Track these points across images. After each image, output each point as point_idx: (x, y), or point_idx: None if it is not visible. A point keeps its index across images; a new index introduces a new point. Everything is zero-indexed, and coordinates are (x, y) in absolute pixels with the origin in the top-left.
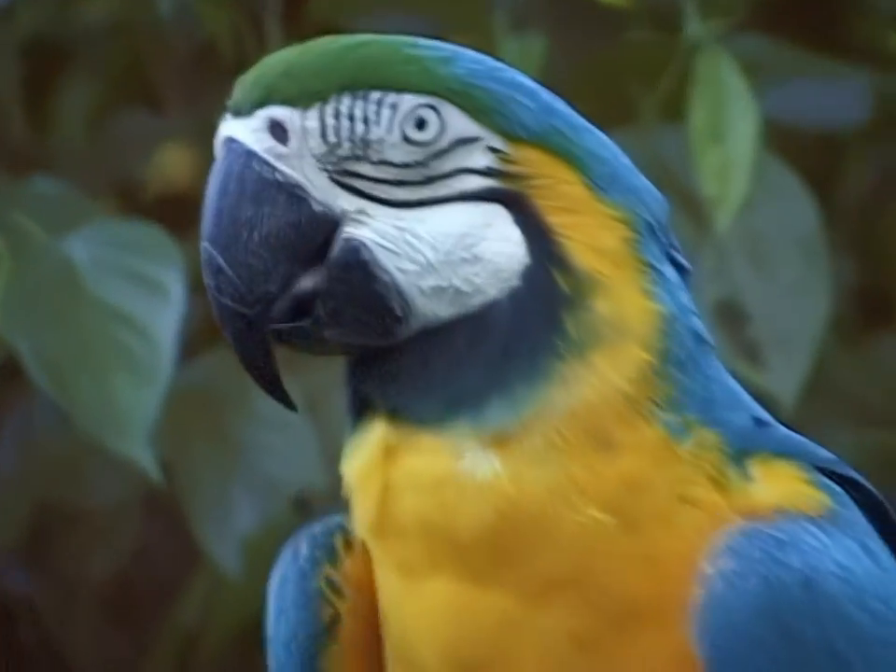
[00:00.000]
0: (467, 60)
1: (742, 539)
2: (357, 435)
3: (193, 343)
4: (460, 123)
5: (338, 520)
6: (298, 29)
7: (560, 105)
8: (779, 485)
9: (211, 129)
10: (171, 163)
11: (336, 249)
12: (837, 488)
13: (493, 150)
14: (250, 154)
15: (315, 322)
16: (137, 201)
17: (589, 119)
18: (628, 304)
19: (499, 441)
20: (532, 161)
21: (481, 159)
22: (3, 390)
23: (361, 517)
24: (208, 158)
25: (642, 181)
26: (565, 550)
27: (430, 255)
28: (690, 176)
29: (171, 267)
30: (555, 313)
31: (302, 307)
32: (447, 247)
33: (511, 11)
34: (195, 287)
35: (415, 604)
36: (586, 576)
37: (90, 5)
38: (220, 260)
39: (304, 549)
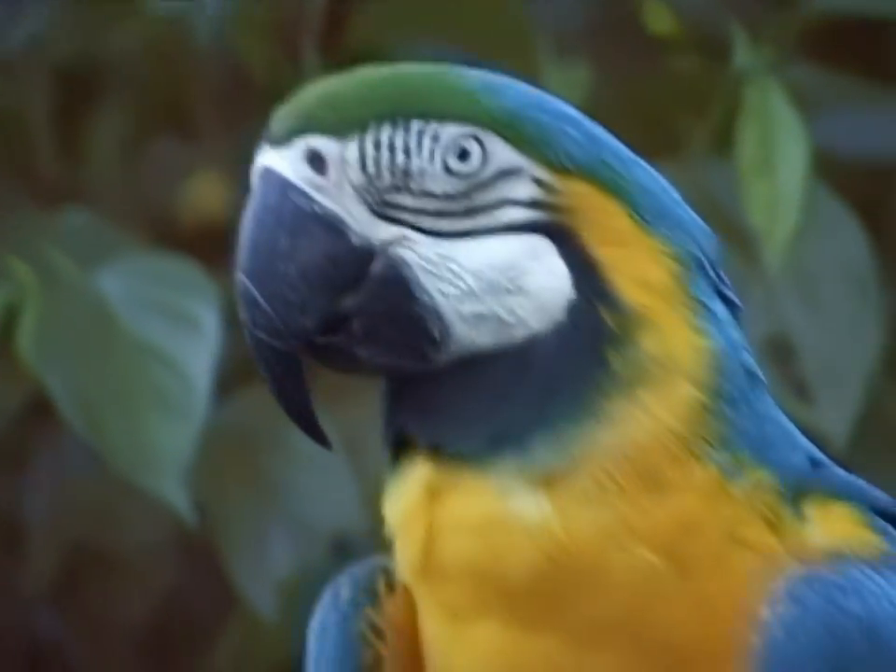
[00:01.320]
0: (511, 89)
1: (802, 585)
2: (397, 473)
3: (228, 380)
4: (504, 154)
5: (379, 562)
6: (335, 57)
7: (606, 136)
8: (835, 528)
9: (246, 158)
10: (205, 194)
11: (376, 265)
12: (894, 532)
13: (537, 182)
14: (287, 185)
15: (350, 338)
16: (171, 232)
17: (635, 151)
18: (677, 340)
19: (547, 481)
20: (578, 193)
21: (525, 190)
22: (33, 428)
23: (405, 560)
24: (243, 188)
25: (691, 215)
26: (616, 593)
27: (472, 283)
28: (738, 209)
29: (205, 301)
30: (601, 349)
31: (338, 323)
32: (490, 277)
33: (554, 38)
34: (230, 321)
35: (462, 648)
36: (637, 620)
37: (121, 33)
38: (256, 293)
39: (345, 591)
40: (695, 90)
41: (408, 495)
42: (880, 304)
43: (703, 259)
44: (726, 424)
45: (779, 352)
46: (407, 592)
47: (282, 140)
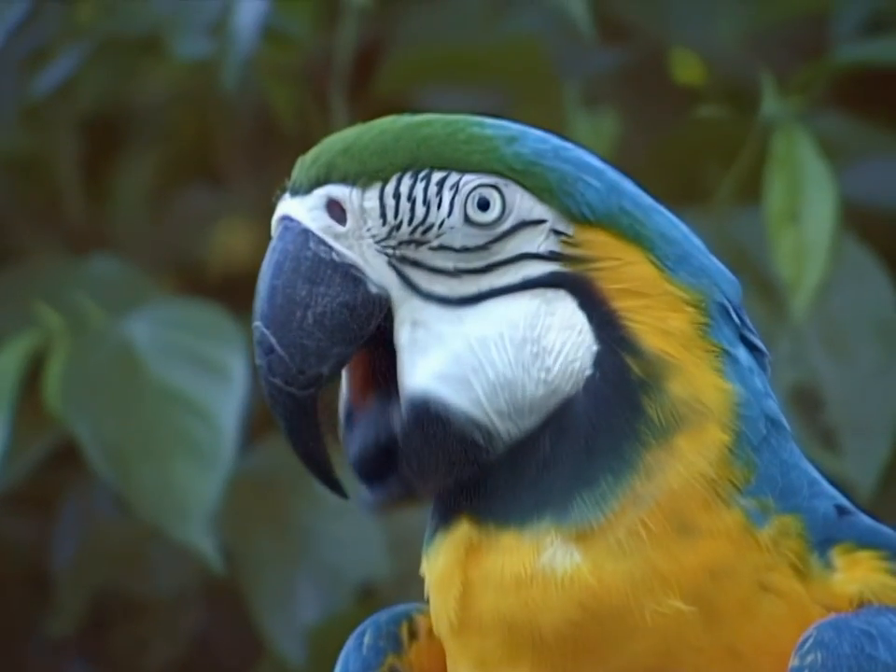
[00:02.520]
0: (532, 139)
1: (830, 632)
2: (437, 533)
3: (256, 427)
4: (525, 204)
5: (404, 608)
6: (363, 104)
7: (628, 184)
8: (862, 576)
9: (274, 205)
10: (233, 241)
11: (404, 408)
12: None
13: (556, 233)
14: (306, 233)
15: (402, 477)
16: (198, 279)
17: (660, 199)
18: (702, 385)
19: (582, 536)
20: (597, 242)
21: (543, 243)
22: (61, 474)
23: (440, 615)
24: (270, 235)
25: (714, 262)
26: (646, 641)
27: (498, 361)
28: (765, 258)
29: (233, 348)
30: (634, 398)
31: (385, 458)
32: (517, 342)
33: (582, 87)
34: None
35: None
36: (670, 667)
37: (150, 79)
38: (273, 340)
39: (369, 638)
40: (723, 139)
41: (446, 553)
42: None
43: (727, 306)
44: (750, 469)
45: (806, 401)
46: (431, 639)
47: (302, 189)
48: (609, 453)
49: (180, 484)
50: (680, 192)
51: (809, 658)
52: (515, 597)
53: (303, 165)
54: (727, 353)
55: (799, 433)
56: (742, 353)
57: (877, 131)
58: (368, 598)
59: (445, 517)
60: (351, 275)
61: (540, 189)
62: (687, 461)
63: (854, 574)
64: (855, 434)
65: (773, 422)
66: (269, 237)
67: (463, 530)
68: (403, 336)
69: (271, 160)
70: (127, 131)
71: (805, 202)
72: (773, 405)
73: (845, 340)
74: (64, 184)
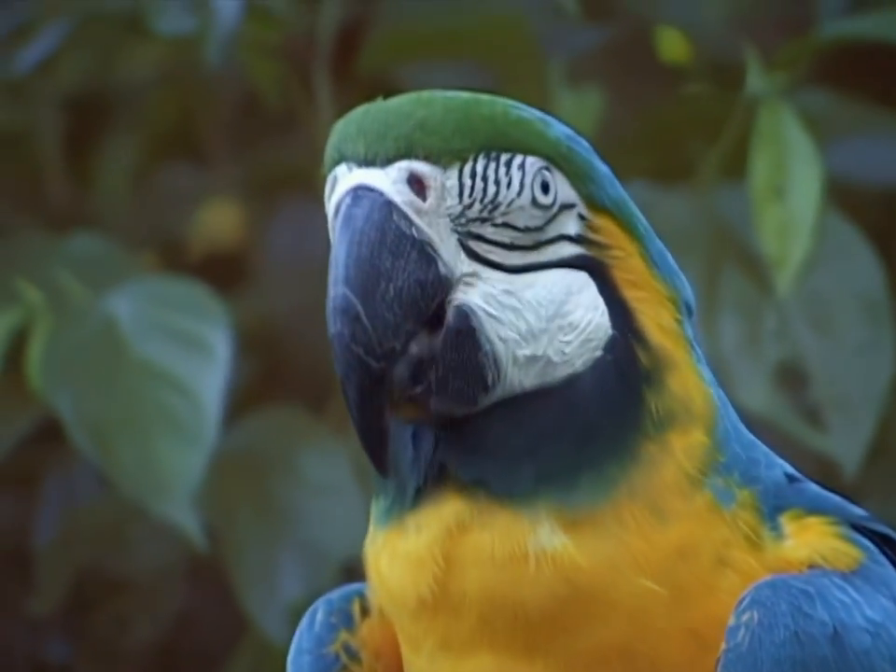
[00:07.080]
0: (556, 123)
1: (768, 591)
2: (412, 508)
3: (238, 405)
4: (563, 188)
5: (356, 586)
6: (347, 82)
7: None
8: (811, 541)
9: (257, 183)
10: (215, 218)
11: (450, 316)
12: (870, 544)
13: (581, 217)
14: (390, 205)
15: (427, 390)
16: (181, 258)
17: (645, 176)
18: (690, 384)
19: (578, 519)
20: (608, 230)
21: (573, 225)
22: (43, 452)
23: (406, 594)
24: (254, 213)
25: (673, 262)
26: (616, 621)
27: (533, 321)
28: (750, 235)
29: (216, 326)
30: (637, 389)
31: (415, 375)
32: (549, 313)
33: (567, 64)
34: (240, 346)
35: None
36: (633, 647)
37: (133, 57)
38: (360, 308)
39: (321, 616)
40: (708, 115)
41: (428, 529)
42: (893, 330)
43: (691, 304)
44: (722, 454)
45: (791, 378)
46: (383, 615)
47: (379, 160)
48: (612, 438)
49: (163, 461)
50: (665, 169)
51: (745, 616)
52: (504, 573)
53: (370, 136)
54: (695, 350)
55: (784, 410)
56: (699, 350)
57: (862, 107)
58: (351, 576)
59: (420, 491)
60: (426, 253)
61: (574, 174)
62: (676, 458)
63: (804, 539)
64: (840, 411)
65: (726, 403)
66: (252, 214)
67: (453, 505)
68: (459, 288)
69: (253, 138)
70: (110, 109)
71: (790, 178)
72: (723, 394)
73: (830, 316)
74: (47, 162)
